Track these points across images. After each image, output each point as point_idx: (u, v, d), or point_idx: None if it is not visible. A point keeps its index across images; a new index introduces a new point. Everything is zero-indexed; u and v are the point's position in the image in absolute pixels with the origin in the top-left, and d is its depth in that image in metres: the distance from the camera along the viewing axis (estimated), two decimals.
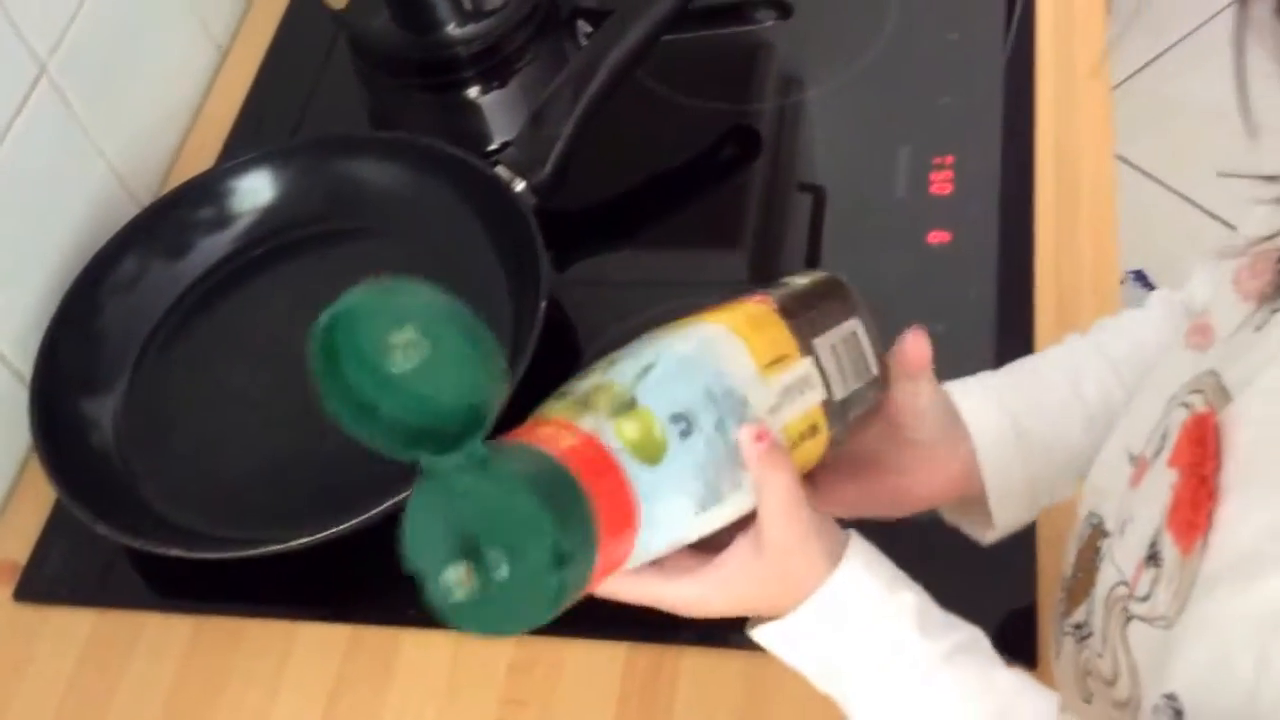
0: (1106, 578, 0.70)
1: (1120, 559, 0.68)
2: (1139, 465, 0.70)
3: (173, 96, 1.40)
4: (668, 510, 0.64)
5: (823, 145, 1.26)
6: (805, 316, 0.73)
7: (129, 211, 1.25)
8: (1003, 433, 0.81)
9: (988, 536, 0.85)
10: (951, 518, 0.87)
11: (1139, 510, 0.67)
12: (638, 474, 0.62)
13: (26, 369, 1.13)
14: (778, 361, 0.70)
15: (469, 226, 1.19)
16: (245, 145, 1.35)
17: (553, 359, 1.06)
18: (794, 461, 0.70)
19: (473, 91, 1.40)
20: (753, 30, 1.39)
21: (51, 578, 1.10)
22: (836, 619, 0.71)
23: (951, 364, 0.95)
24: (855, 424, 0.76)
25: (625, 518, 0.62)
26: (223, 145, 1.37)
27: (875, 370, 0.77)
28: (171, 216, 1.23)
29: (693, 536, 0.67)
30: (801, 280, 0.77)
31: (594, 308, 1.18)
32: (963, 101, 1.24)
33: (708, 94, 1.32)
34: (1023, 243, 1.12)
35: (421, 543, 0.58)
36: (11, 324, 1.15)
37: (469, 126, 1.40)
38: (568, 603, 0.57)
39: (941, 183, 1.18)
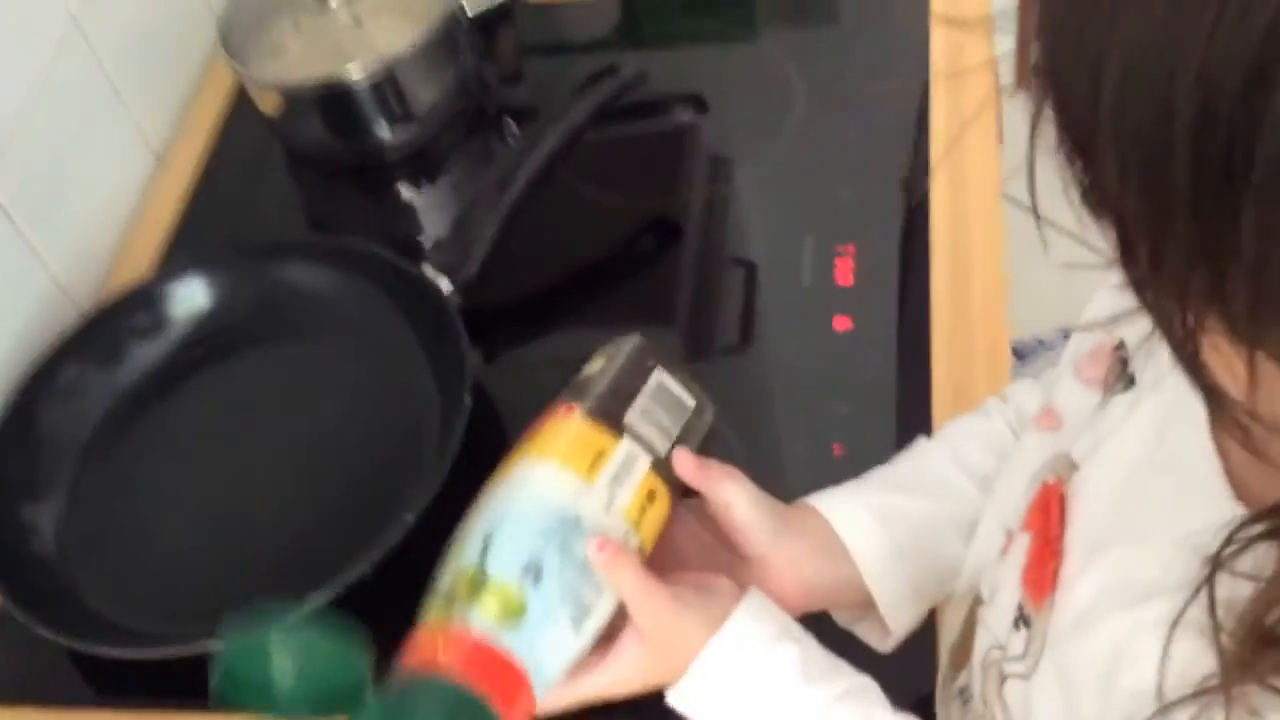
0: (982, 643, 0.75)
1: (993, 623, 0.74)
2: (1008, 538, 0.75)
3: (112, 205, 1.44)
4: (549, 645, 0.72)
5: (735, 235, 1.31)
6: (610, 401, 0.80)
7: (69, 317, 1.29)
8: (881, 542, 0.85)
9: (886, 644, 0.89)
10: (845, 624, 0.90)
11: (1006, 577, 0.73)
12: (512, 638, 0.71)
13: None
14: (596, 460, 0.77)
15: (397, 324, 1.23)
16: (184, 251, 1.39)
17: (482, 447, 1.10)
18: (646, 532, 0.77)
19: (406, 191, 1.46)
20: (671, 126, 1.44)
21: None
22: (721, 678, 0.77)
23: (856, 443, 1.00)
24: (701, 451, 0.83)
25: (516, 683, 0.70)
26: (162, 251, 1.41)
27: (692, 401, 0.83)
28: (109, 324, 1.27)
29: (582, 648, 0.75)
30: (597, 364, 0.83)
31: (523, 393, 1.21)
32: (862, 194, 1.30)
33: (627, 188, 1.38)
34: (920, 328, 1.18)
35: None
36: None
37: (403, 225, 1.44)
38: None
39: (844, 271, 1.23)
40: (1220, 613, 0.52)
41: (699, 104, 1.45)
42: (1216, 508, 0.55)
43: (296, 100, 1.40)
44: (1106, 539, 0.65)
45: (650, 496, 0.79)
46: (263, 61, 1.39)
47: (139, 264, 1.40)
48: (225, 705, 0.68)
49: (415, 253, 1.27)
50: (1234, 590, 0.51)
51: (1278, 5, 0.37)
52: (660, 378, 0.83)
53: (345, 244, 1.29)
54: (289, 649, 0.67)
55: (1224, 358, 0.45)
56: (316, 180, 1.49)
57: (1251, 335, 0.43)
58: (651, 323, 1.26)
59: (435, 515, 1.08)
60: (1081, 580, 0.65)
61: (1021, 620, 0.70)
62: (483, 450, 1.08)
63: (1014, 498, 0.76)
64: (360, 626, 0.71)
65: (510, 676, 0.71)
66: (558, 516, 0.75)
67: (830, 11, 1.53)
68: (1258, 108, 0.38)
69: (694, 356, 1.21)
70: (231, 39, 1.41)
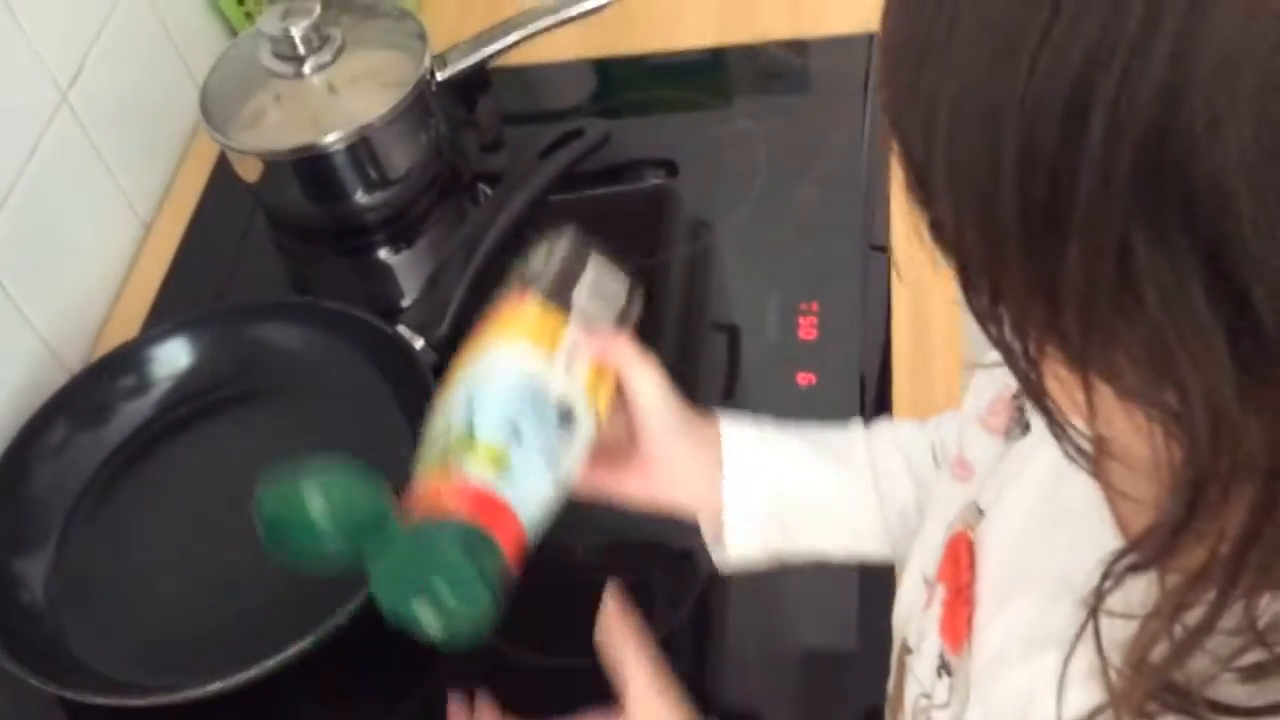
0: (912, 691, 0.78)
1: (920, 672, 0.77)
2: (929, 588, 0.78)
3: (100, 270, 1.48)
4: (531, 492, 0.83)
5: (701, 293, 1.36)
6: (558, 285, 0.90)
7: (59, 379, 1.33)
8: (756, 463, 0.92)
9: (725, 562, 0.94)
10: (708, 540, 0.96)
11: (928, 626, 0.76)
12: (501, 485, 0.81)
13: None
14: (554, 338, 0.87)
15: (374, 382, 1.27)
16: (170, 313, 1.43)
17: None
18: (599, 405, 0.88)
19: (383, 253, 1.50)
20: (643, 189, 1.49)
21: None
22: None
23: None
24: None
25: (511, 521, 0.81)
26: (148, 313, 1.45)
27: (624, 288, 0.93)
28: (95, 385, 1.31)
29: (557, 495, 0.86)
30: (540, 256, 0.92)
31: None
32: (825, 253, 1.34)
33: (599, 248, 1.41)
34: (882, 379, 1.22)
35: (392, 601, 0.77)
36: None
37: (380, 286, 1.49)
38: (502, 595, 0.76)
39: (808, 328, 1.27)
40: (1113, 654, 0.53)
41: (670, 168, 1.49)
42: (1105, 551, 0.56)
43: (276, 167, 1.44)
44: (1011, 587, 0.67)
45: (599, 373, 0.89)
46: (243, 131, 1.43)
47: (127, 327, 1.44)
48: (276, 555, 0.78)
49: (393, 312, 1.31)
50: (1126, 630, 0.52)
51: (1088, 50, 0.39)
52: (597, 264, 0.92)
53: (321, 305, 1.34)
54: (319, 490, 0.76)
55: (1065, 386, 0.47)
56: (297, 243, 1.53)
57: (1085, 363, 0.45)
58: None
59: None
60: (992, 627, 0.68)
61: (944, 668, 0.73)
62: None
63: (932, 549, 0.78)
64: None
65: (506, 516, 0.81)
66: (530, 386, 0.85)
67: (800, 82, 1.58)
68: (1074, 148, 0.40)
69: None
70: (213, 110, 1.45)
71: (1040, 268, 0.43)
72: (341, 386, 1.28)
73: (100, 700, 1.10)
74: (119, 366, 1.33)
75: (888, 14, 0.47)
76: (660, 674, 0.88)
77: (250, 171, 1.47)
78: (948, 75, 0.43)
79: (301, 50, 1.43)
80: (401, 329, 1.27)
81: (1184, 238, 0.40)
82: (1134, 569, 0.51)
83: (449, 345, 1.26)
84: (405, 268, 1.49)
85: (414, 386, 1.22)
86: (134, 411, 1.32)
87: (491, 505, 0.80)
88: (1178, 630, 0.49)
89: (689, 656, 1.08)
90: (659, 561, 1.15)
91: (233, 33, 1.69)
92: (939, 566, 0.75)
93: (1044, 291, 0.44)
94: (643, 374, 0.89)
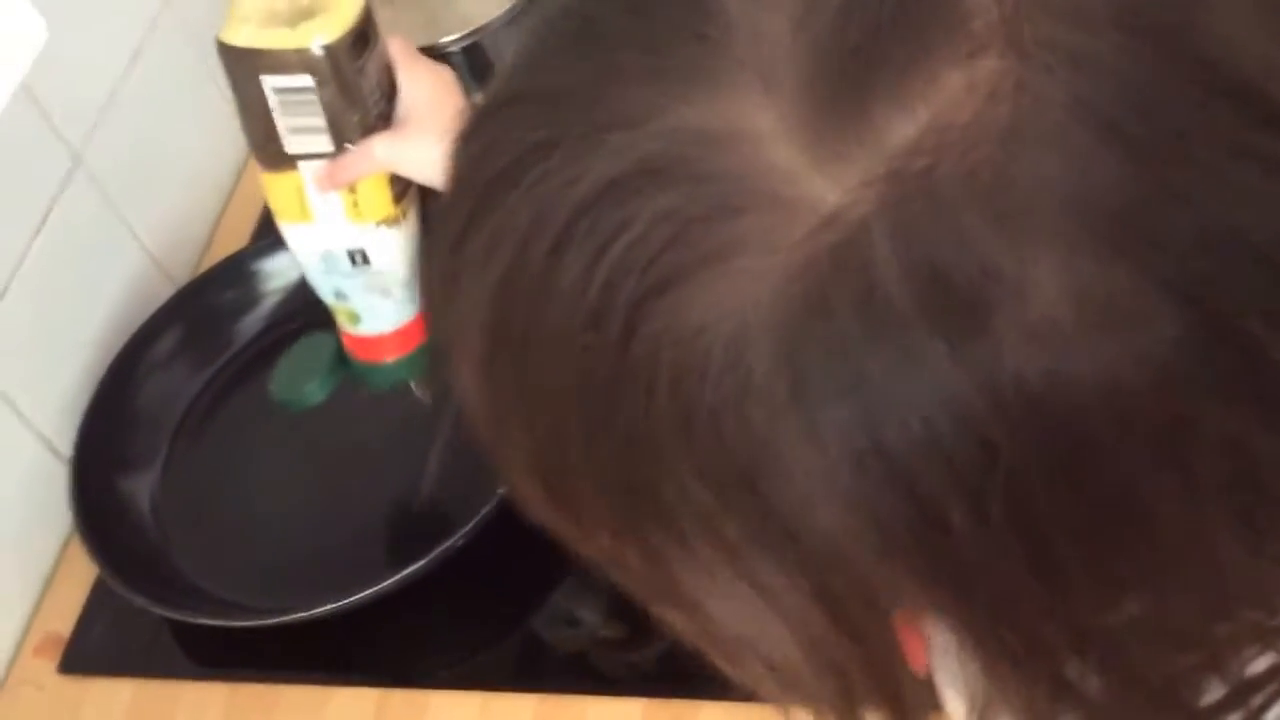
0: None
1: None
2: None
3: (205, 182, 1.44)
4: (384, 317, 1.00)
5: None
6: (264, 144, 0.91)
7: (164, 293, 1.30)
8: None
9: None
10: None
11: None
12: (364, 328, 1.01)
13: (66, 449, 1.18)
14: (300, 198, 0.93)
15: None
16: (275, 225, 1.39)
17: None
18: (378, 210, 0.93)
19: None
20: None
21: (94, 650, 1.14)
22: None
23: None
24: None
25: (383, 340, 1.01)
26: (255, 227, 1.41)
27: (307, 75, 0.87)
28: (204, 297, 1.28)
29: (403, 303, 0.98)
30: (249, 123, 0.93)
31: None
32: None
33: None
34: None
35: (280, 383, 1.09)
36: (52, 406, 1.19)
37: None
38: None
39: None
40: None
41: None
42: None
43: None
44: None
45: (351, 188, 0.91)
46: None
47: (233, 241, 1.39)
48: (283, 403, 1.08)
49: None
50: None
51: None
52: (271, 85, 0.87)
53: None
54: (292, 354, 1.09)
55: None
56: None
57: None
58: None
59: None
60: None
61: None
62: None
63: None
64: None
65: (380, 340, 1.01)
66: (318, 257, 0.96)
67: None
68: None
69: None
70: None
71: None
72: None
73: (207, 621, 1.09)
74: (229, 278, 1.29)
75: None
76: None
77: None
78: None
79: None
80: None
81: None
82: None
83: None
84: None
85: None
86: (244, 324, 1.29)
87: (364, 343, 1.02)
88: None
89: None
90: None
91: None
92: None
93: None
94: (383, 150, 0.91)
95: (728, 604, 0.44)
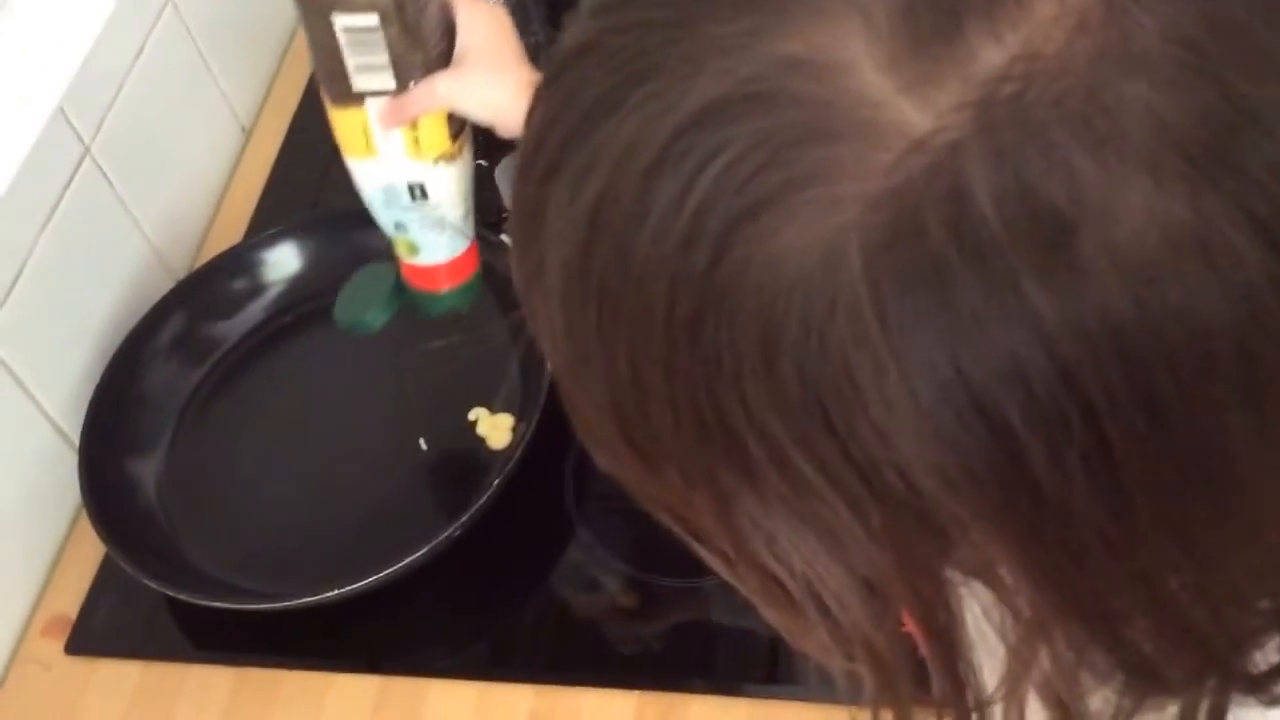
0: None
1: None
2: None
3: (204, 175, 1.47)
4: (441, 249, 1.05)
5: None
6: (332, 81, 0.93)
7: (165, 284, 1.32)
8: None
9: None
10: None
11: None
12: (423, 258, 1.05)
13: (75, 433, 1.20)
14: (366, 134, 0.96)
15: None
16: (270, 219, 1.41)
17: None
18: (437, 146, 0.97)
19: (481, 161, 1.46)
20: None
21: (100, 632, 1.16)
22: None
23: None
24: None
25: (439, 269, 1.07)
26: (250, 219, 1.44)
27: (373, 15, 0.89)
28: (206, 287, 1.30)
29: (456, 236, 1.05)
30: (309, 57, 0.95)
31: None
32: None
33: None
34: None
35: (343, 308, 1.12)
36: (60, 391, 1.21)
37: (481, 194, 1.46)
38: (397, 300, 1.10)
39: None
40: None
41: None
42: None
43: None
44: None
45: (412, 125, 0.95)
46: None
47: (230, 233, 1.42)
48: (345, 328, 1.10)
49: (497, 221, 1.29)
50: None
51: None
52: (341, 25, 0.90)
53: None
54: (354, 282, 1.12)
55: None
56: None
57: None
58: None
59: (522, 476, 1.12)
60: None
61: None
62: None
63: None
64: None
65: (436, 270, 1.06)
66: (381, 191, 1.00)
67: None
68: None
69: None
70: None
71: None
72: None
73: (211, 603, 1.10)
74: (230, 269, 1.32)
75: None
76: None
77: None
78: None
79: None
80: (505, 238, 1.24)
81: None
82: None
83: None
84: (504, 177, 1.46)
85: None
86: (245, 314, 1.31)
87: (421, 272, 1.07)
88: None
89: None
90: None
91: None
92: None
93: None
94: (446, 87, 0.94)
95: (789, 545, 0.45)
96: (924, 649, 0.48)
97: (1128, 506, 0.41)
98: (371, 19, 0.89)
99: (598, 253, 0.43)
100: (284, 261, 1.32)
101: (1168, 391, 0.39)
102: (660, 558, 1.10)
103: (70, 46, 1.16)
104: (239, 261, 1.32)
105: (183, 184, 1.43)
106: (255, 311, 1.31)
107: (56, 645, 1.15)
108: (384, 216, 1.03)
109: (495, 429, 1.20)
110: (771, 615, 0.50)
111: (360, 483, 1.19)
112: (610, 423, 0.46)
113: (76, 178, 1.23)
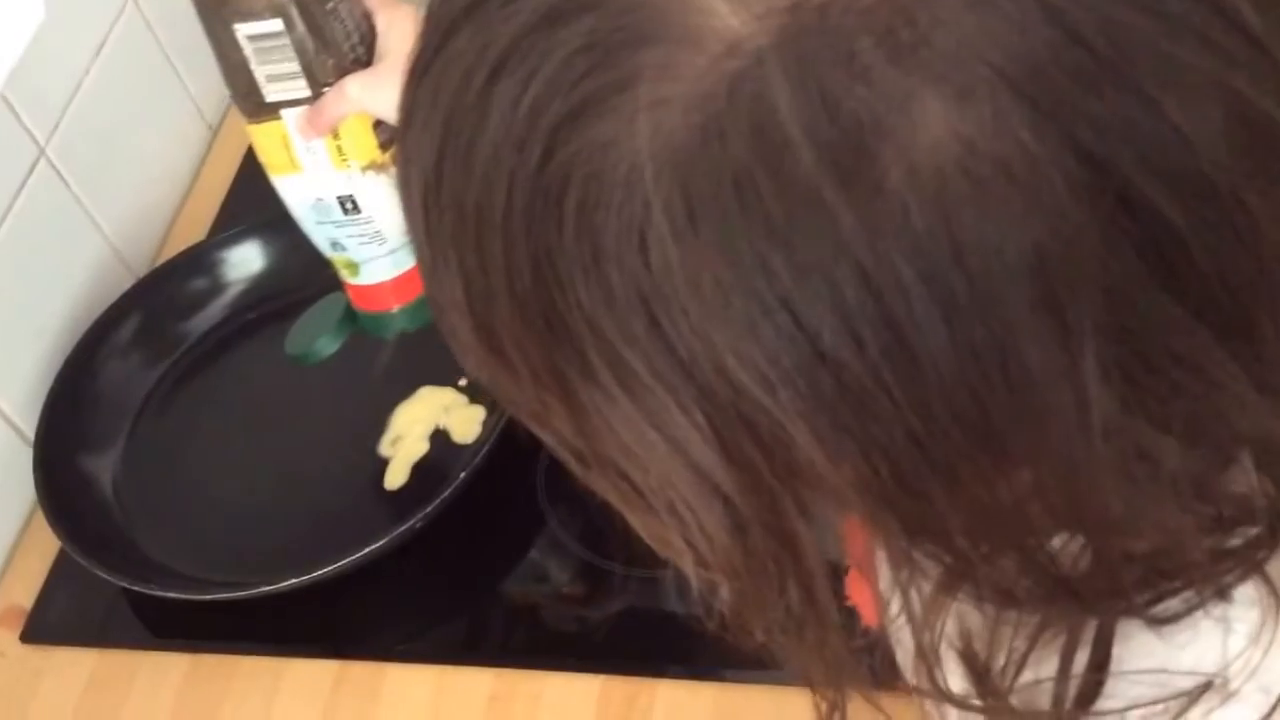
0: None
1: None
2: None
3: (168, 173, 1.47)
4: (380, 269, 1.01)
5: None
6: (245, 95, 0.92)
7: (125, 282, 1.32)
8: None
9: None
10: None
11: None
12: (364, 277, 1.02)
13: (30, 429, 1.21)
14: (288, 153, 0.94)
15: None
16: (236, 217, 1.41)
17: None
18: (363, 152, 0.94)
19: None
20: None
21: (55, 621, 1.16)
22: None
23: None
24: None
25: (381, 289, 1.03)
26: (214, 219, 1.44)
27: (277, 20, 0.88)
28: (165, 286, 1.31)
29: (396, 249, 1.00)
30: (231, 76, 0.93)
31: None
32: None
33: None
34: None
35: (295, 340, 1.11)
36: (16, 388, 1.22)
37: None
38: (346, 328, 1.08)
39: None
40: None
41: None
42: None
43: None
44: None
45: (334, 134, 0.92)
46: None
47: (193, 233, 1.42)
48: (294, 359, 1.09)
49: None
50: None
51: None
52: (244, 33, 0.88)
53: None
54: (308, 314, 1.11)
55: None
56: None
57: None
58: None
59: (487, 471, 1.12)
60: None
61: None
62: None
63: None
64: None
65: (378, 289, 1.03)
66: (310, 208, 0.97)
67: None
68: None
69: None
70: None
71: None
72: None
73: (166, 594, 1.11)
74: (190, 268, 1.32)
75: None
76: None
77: None
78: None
79: None
80: None
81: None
82: None
83: None
84: None
85: None
86: (204, 314, 1.31)
87: (366, 293, 1.04)
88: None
89: None
90: None
91: None
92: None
93: None
94: (354, 90, 0.90)
95: (641, 455, 0.46)
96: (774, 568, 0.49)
97: (933, 415, 0.41)
98: (275, 24, 0.88)
99: (449, 156, 0.45)
100: (246, 260, 1.33)
101: (965, 293, 0.40)
102: (622, 547, 1.09)
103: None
104: (199, 260, 1.33)
105: (146, 183, 1.43)
106: (216, 310, 1.32)
107: (12, 635, 1.16)
108: (318, 235, 1.00)
109: (466, 422, 1.20)
110: (636, 522, 0.51)
111: (318, 477, 1.20)
112: (468, 326, 0.47)
113: (30, 179, 1.24)
